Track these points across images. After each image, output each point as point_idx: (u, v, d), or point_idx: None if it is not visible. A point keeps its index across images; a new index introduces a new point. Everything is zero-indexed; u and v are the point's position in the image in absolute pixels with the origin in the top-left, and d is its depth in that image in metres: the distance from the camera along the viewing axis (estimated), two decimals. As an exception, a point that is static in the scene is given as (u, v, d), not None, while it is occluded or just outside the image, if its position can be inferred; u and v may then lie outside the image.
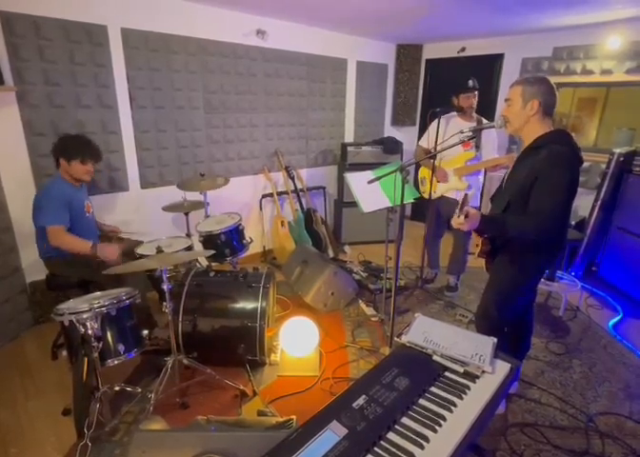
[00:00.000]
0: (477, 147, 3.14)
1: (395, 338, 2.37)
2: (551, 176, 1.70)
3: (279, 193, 4.26)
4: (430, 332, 1.55)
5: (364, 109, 5.04)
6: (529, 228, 1.73)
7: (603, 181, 3.56)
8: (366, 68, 4.87)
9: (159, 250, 2.12)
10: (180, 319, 2.37)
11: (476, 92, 3.12)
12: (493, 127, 2.08)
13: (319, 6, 3.26)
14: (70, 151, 2.43)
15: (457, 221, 1.71)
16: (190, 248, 2.62)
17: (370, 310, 3.20)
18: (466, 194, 1.76)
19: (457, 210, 1.70)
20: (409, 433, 1.11)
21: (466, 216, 1.69)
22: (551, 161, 1.71)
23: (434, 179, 3.27)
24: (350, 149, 4.57)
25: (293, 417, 1.68)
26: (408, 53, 5.16)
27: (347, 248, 4.59)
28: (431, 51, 5.16)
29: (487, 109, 4.43)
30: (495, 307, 2.03)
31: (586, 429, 2.08)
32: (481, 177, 3.29)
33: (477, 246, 2.03)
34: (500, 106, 4.61)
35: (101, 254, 2.39)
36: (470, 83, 3.07)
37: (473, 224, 1.72)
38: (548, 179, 1.70)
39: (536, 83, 1.79)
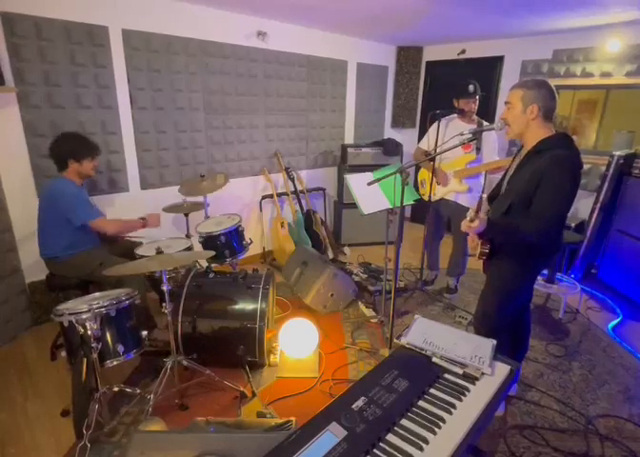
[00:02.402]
0: (478, 149, 3.14)
1: (395, 340, 2.37)
2: (555, 178, 1.70)
3: (279, 195, 4.26)
4: (429, 334, 1.55)
5: (364, 110, 5.05)
6: (531, 232, 1.73)
7: (603, 183, 3.56)
8: (366, 69, 4.88)
9: (159, 251, 2.12)
10: (179, 320, 2.37)
11: (477, 97, 3.12)
12: (493, 129, 2.09)
13: (319, 7, 3.27)
14: (80, 152, 2.45)
15: (467, 224, 1.74)
16: (189, 249, 2.62)
17: (369, 312, 3.20)
18: (481, 197, 1.77)
19: (471, 213, 1.72)
20: (408, 435, 1.11)
21: (472, 220, 1.71)
22: (555, 164, 1.71)
23: (434, 181, 3.27)
24: (350, 150, 4.58)
25: (293, 418, 1.68)
26: (408, 55, 5.17)
27: (346, 249, 4.59)
28: (432, 54, 5.17)
29: (487, 111, 4.45)
30: (494, 308, 2.04)
31: (585, 432, 2.07)
32: (482, 180, 3.29)
33: (475, 247, 2.03)
34: (500, 108, 4.62)
35: (152, 226, 2.68)
36: (471, 88, 3.06)
37: (481, 227, 1.75)
38: (551, 182, 1.70)
39: (536, 87, 1.78)
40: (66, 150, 2.44)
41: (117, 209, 3.22)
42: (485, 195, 1.92)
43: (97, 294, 2.20)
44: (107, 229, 2.52)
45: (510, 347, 2.17)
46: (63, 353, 1.99)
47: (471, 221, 1.73)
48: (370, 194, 2.68)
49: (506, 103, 1.88)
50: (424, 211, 3.65)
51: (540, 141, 1.80)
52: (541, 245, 1.83)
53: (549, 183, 1.71)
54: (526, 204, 1.78)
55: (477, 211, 1.72)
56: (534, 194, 1.75)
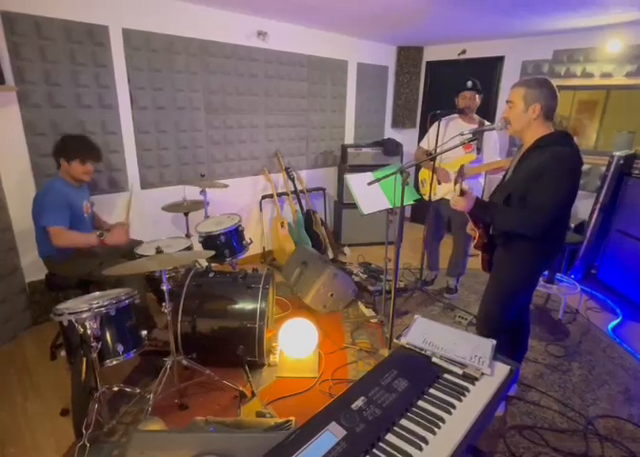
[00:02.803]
0: (479, 149, 3.14)
1: (394, 339, 2.37)
2: (554, 174, 1.70)
3: (279, 194, 4.26)
4: (429, 334, 1.55)
5: (364, 110, 5.05)
6: (526, 222, 1.75)
7: (603, 184, 3.56)
8: (366, 69, 4.88)
9: (158, 251, 2.12)
10: (179, 319, 2.37)
11: (476, 94, 3.11)
12: (494, 129, 2.09)
13: (319, 7, 3.27)
14: (70, 152, 2.43)
15: (454, 198, 1.80)
16: (189, 249, 2.62)
17: (369, 312, 3.20)
18: (462, 165, 1.79)
19: (457, 188, 1.78)
20: (407, 435, 1.11)
21: (462, 194, 1.74)
22: (556, 160, 1.71)
23: (435, 180, 3.27)
24: (350, 150, 4.57)
25: (292, 418, 1.68)
26: (408, 55, 5.17)
27: (346, 249, 4.59)
28: (432, 54, 5.17)
29: (487, 111, 4.44)
30: (497, 310, 2.04)
31: (585, 432, 2.07)
32: (482, 180, 3.29)
33: (473, 234, 2.05)
34: (500, 108, 4.62)
35: (111, 242, 2.41)
36: (469, 83, 3.08)
37: (468, 204, 1.81)
38: (550, 176, 1.70)
39: (538, 86, 1.78)
40: (59, 148, 2.45)
41: (117, 208, 3.23)
42: (467, 165, 1.97)
43: (97, 294, 2.20)
44: (54, 240, 2.34)
45: (510, 348, 2.17)
46: (62, 353, 1.99)
47: (462, 195, 1.78)
48: (371, 194, 2.67)
49: (507, 102, 1.87)
50: (424, 211, 3.65)
51: (539, 138, 1.80)
52: (540, 241, 1.83)
53: (548, 178, 1.70)
54: (523, 197, 1.78)
55: (456, 179, 1.76)
56: (532, 189, 1.75)
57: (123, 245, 2.49)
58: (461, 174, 1.76)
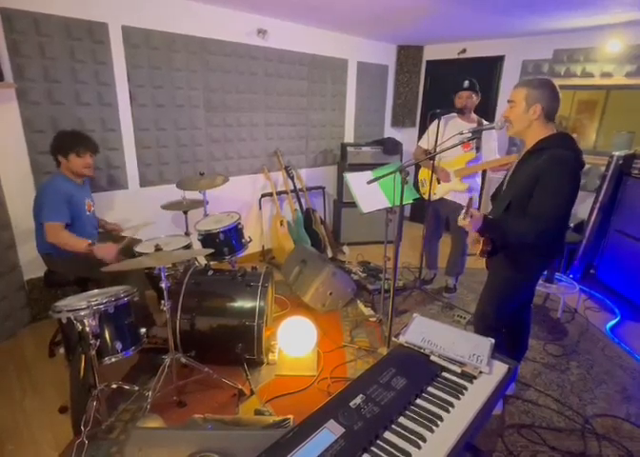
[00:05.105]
0: (477, 148, 3.14)
1: (393, 338, 2.37)
2: (553, 179, 1.70)
3: (278, 193, 4.26)
4: (427, 333, 1.55)
5: (364, 109, 5.04)
6: (529, 231, 1.74)
7: (602, 184, 3.56)
8: (366, 68, 4.88)
9: (157, 249, 2.12)
10: (178, 317, 2.37)
11: (473, 93, 3.10)
12: (493, 128, 2.09)
13: (320, 7, 3.26)
14: (65, 146, 2.42)
15: (463, 222, 1.77)
16: (188, 247, 2.62)
17: (368, 311, 3.20)
18: (470, 198, 1.80)
19: (463, 213, 1.76)
20: (405, 433, 1.11)
21: (470, 217, 1.74)
22: (554, 164, 1.70)
23: (434, 180, 3.27)
24: (349, 149, 4.57)
25: (290, 416, 1.68)
26: (408, 54, 5.16)
27: (345, 248, 4.59)
28: (432, 53, 5.16)
29: (487, 110, 4.44)
30: (492, 307, 2.04)
31: (583, 431, 2.08)
32: (479, 179, 3.29)
33: (477, 242, 2.03)
34: (500, 108, 4.62)
35: (98, 254, 2.34)
36: (466, 83, 3.08)
37: (477, 225, 1.77)
38: (550, 182, 1.70)
39: (540, 87, 1.78)
40: (54, 145, 2.45)
41: (116, 206, 3.22)
42: (472, 195, 1.95)
43: (96, 291, 2.20)
44: (47, 236, 2.33)
45: (510, 347, 2.18)
46: (61, 350, 1.99)
47: (464, 219, 1.76)
48: (370, 193, 2.67)
49: (509, 101, 1.87)
50: (423, 210, 3.65)
51: (540, 140, 1.80)
52: (540, 245, 1.83)
53: (547, 183, 1.70)
54: (524, 202, 1.78)
55: (467, 210, 1.74)
56: (532, 193, 1.75)
57: (108, 261, 2.35)
58: (471, 205, 1.77)
